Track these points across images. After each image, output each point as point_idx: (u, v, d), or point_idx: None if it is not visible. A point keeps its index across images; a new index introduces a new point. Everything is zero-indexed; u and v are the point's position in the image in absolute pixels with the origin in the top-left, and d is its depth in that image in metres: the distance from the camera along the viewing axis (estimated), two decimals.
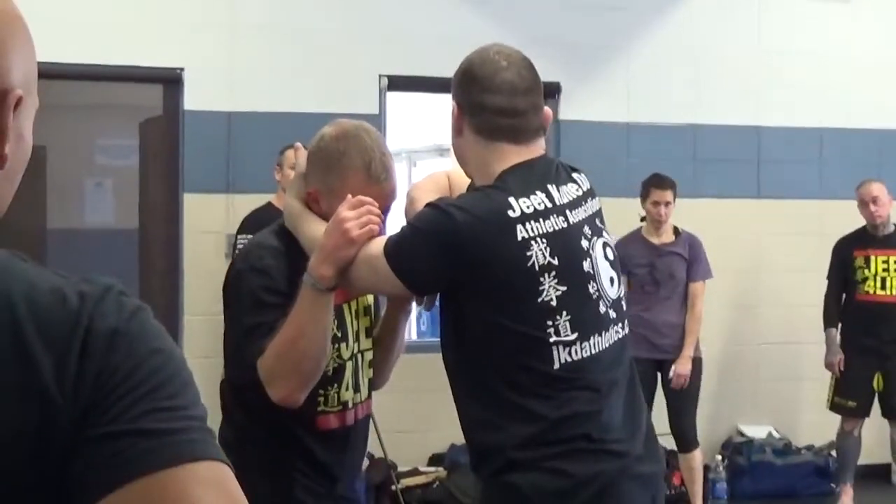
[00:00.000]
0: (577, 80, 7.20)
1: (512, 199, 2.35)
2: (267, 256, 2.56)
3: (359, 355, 2.74)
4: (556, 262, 2.33)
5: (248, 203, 6.21)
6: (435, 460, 7.03)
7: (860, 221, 6.73)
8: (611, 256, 2.47)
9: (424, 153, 11.50)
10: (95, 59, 6.50)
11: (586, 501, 2.31)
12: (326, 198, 2.58)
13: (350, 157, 2.55)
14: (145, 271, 7.20)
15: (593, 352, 2.37)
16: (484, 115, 2.44)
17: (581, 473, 2.32)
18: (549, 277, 2.32)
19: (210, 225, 6.62)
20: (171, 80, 6.71)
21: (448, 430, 7.02)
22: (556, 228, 2.37)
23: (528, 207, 2.35)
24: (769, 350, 7.58)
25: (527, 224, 2.33)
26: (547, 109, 2.51)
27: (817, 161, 7.70)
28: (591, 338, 2.37)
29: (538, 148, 2.48)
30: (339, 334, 2.62)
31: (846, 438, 6.79)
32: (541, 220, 2.35)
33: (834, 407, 6.79)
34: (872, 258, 6.63)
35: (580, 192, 2.48)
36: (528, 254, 2.31)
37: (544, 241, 2.33)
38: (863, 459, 6.93)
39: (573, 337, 2.33)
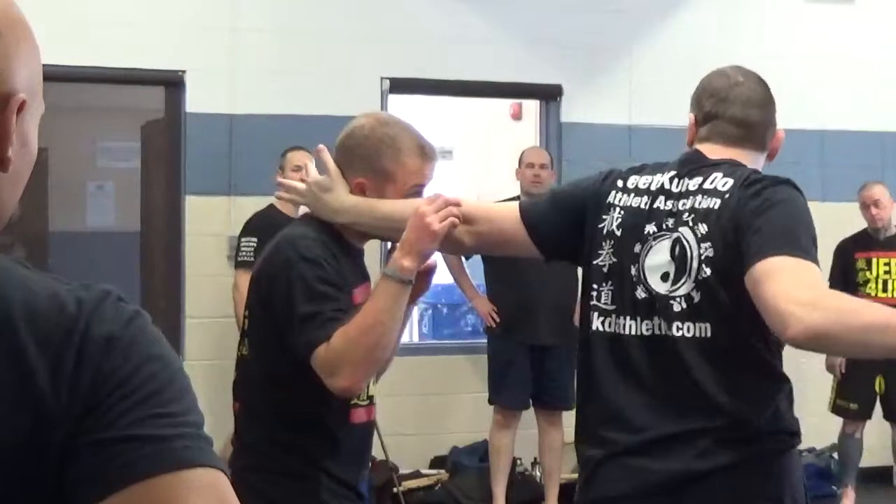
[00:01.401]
0: (579, 82, 7.20)
1: (632, 175, 2.55)
2: (316, 248, 2.56)
3: None
4: (618, 233, 2.47)
5: (250, 205, 6.21)
6: (437, 462, 7.02)
7: (862, 224, 6.73)
8: (678, 253, 2.40)
9: None
10: (97, 61, 6.51)
11: (581, 481, 2.54)
12: (379, 185, 2.62)
13: (402, 140, 2.63)
14: (147, 274, 7.20)
15: (623, 332, 2.44)
16: (712, 121, 2.60)
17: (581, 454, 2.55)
18: (607, 244, 2.47)
19: (212, 227, 6.62)
20: (172, 83, 6.72)
21: (450, 433, 7.03)
22: (636, 206, 2.48)
23: (632, 183, 2.52)
24: None
25: (619, 194, 2.51)
26: (780, 131, 2.74)
27: (819, 163, 7.69)
28: (624, 318, 2.44)
29: (739, 154, 2.57)
30: None
31: (848, 441, 6.79)
32: (631, 195, 2.50)
33: (835, 409, 6.79)
34: (874, 260, 6.63)
35: (699, 188, 2.46)
36: (604, 217, 2.50)
37: (621, 212, 2.48)
38: (864, 462, 6.92)
39: (611, 308, 2.45)
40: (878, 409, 6.73)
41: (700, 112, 2.61)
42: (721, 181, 2.44)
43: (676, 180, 2.48)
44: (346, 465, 2.65)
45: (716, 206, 2.40)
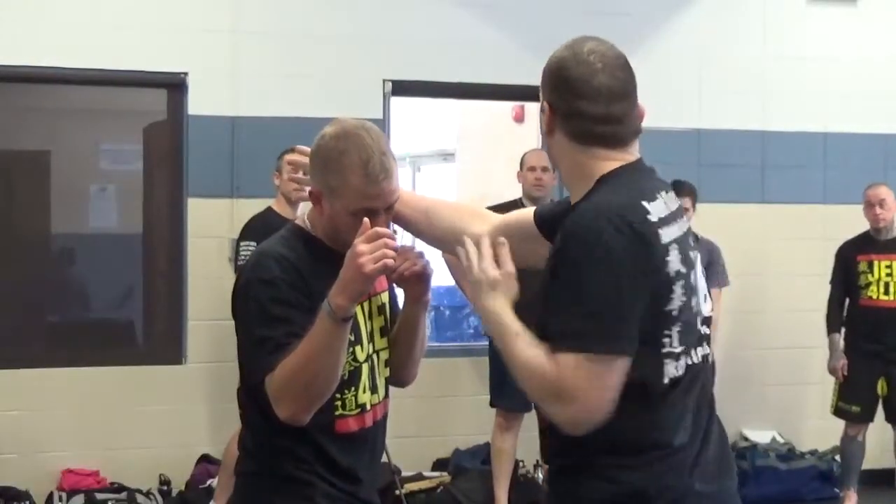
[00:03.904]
0: None
1: (645, 203, 2.23)
2: (274, 267, 2.56)
3: (374, 356, 2.74)
4: (684, 270, 2.24)
5: (252, 208, 6.21)
6: (439, 465, 7.02)
7: (864, 226, 6.72)
8: (702, 271, 2.39)
9: (428, 158, 11.52)
10: (99, 63, 6.51)
11: None
12: (328, 198, 2.58)
13: (349, 156, 2.52)
14: (149, 276, 7.20)
15: (693, 363, 2.28)
16: (579, 121, 2.32)
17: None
18: (678, 286, 2.22)
19: (214, 230, 6.62)
20: (175, 85, 6.72)
21: (452, 435, 7.03)
22: (679, 235, 2.26)
23: (659, 212, 2.24)
24: (773, 355, 7.57)
25: (662, 228, 2.22)
26: (641, 106, 2.41)
27: (822, 166, 7.69)
28: (690, 354, 2.27)
29: (634, 151, 2.39)
30: (353, 337, 2.61)
31: (850, 443, 6.78)
32: (669, 225, 2.24)
33: (838, 412, 6.79)
34: (875, 263, 6.63)
35: (677, 207, 2.36)
36: (667, 259, 2.21)
37: (676, 246, 2.23)
38: (867, 464, 6.92)
39: (679, 350, 2.23)
40: (880, 412, 6.73)
41: (563, 106, 2.32)
42: (668, 197, 2.35)
43: (666, 198, 2.31)
44: (346, 470, 2.66)
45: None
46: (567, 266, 2.17)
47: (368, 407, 2.71)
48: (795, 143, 7.63)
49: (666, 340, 2.20)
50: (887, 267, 6.61)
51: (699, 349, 2.31)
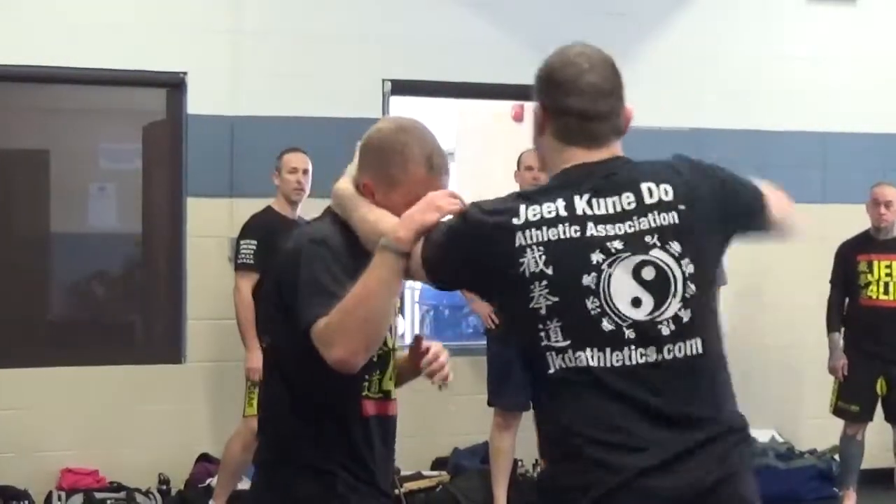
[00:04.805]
0: None
1: (523, 207, 2.34)
2: (328, 234, 2.62)
3: (392, 353, 2.76)
4: (549, 271, 2.31)
5: (251, 207, 6.21)
6: (438, 464, 7.03)
7: (863, 226, 6.73)
8: (649, 276, 2.35)
9: None
10: (99, 63, 6.51)
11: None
12: (383, 189, 2.62)
13: (412, 149, 2.62)
14: (148, 275, 7.21)
15: (592, 364, 2.30)
16: (566, 118, 2.42)
17: (571, 484, 2.31)
18: (538, 286, 2.31)
19: (213, 229, 6.62)
20: (174, 85, 6.72)
21: (451, 434, 7.03)
22: (561, 237, 2.32)
23: (534, 215, 2.34)
24: (772, 354, 7.57)
25: (527, 231, 2.33)
26: (628, 108, 2.48)
27: (821, 166, 7.70)
28: (589, 350, 2.30)
29: (613, 150, 2.45)
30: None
31: (849, 443, 6.79)
32: (544, 227, 2.32)
33: (837, 411, 6.79)
34: (875, 263, 6.64)
35: (638, 205, 2.38)
36: (521, 261, 2.31)
37: (541, 248, 2.31)
38: (866, 464, 6.92)
39: (565, 343, 2.31)
40: (879, 412, 6.73)
41: (553, 104, 2.44)
42: (659, 190, 2.38)
43: (598, 201, 2.36)
44: (363, 459, 2.67)
45: (676, 221, 2.37)
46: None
47: (392, 395, 2.74)
48: (794, 142, 7.63)
49: (542, 335, 2.31)
50: (887, 267, 6.61)
51: (640, 349, 2.32)
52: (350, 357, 2.43)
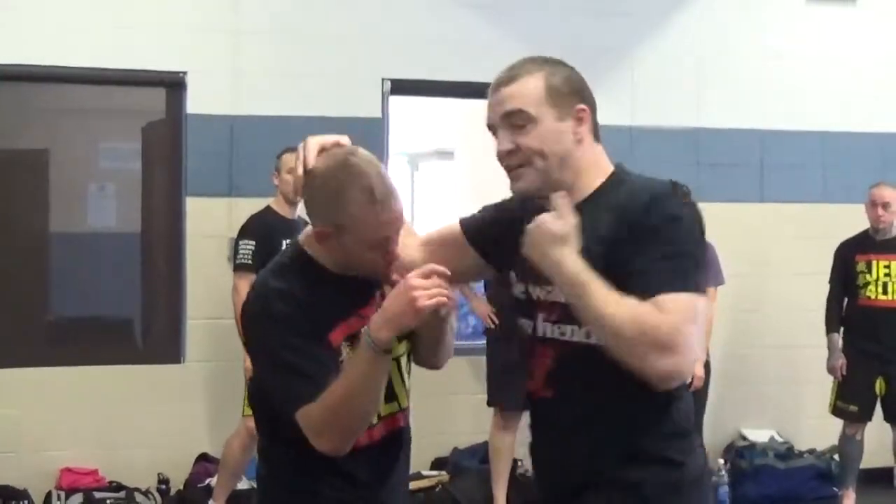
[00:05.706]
0: None
1: None
2: (277, 301, 2.46)
3: (392, 363, 2.59)
4: None
5: (251, 207, 6.21)
6: (437, 464, 7.02)
7: (863, 226, 6.73)
8: None
9: (426, 156, 11.52)
10: (98, 62, 6.51)
11: None
12: (338, 237, 2.46)
13: (351, 190, 2.41)
14: (148, 275, 7.20)
15: None
16: (594, 115, 2.61)
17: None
18: None
19: (213, 229, 6.62)
20: (173, 84, 6.72)
21: (450, 434, 7.03)
22: None
23: None
24: (771, 354, 7.57)
25: None
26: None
27: (820, 165, 7.70)
28: None
29: None
30: None
31: (848, 442, 6.79)
32: None
33: (836, 411, 6.79)
34: (874, 263, 6.64)
35: None
36: None
37: None
38: (865, 463, 6.92)
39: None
40: (878, 411, 6.73)
41: (592, 105, 2.62)
42: None
43: None
44: (352, 479, 2.57)
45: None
46: (670, 241, 2.40)
47: (383, 414, 2.60)
48: (794, 142, 7.63)
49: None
50: (885, 267, 6.61)
51: None
52: (339, 447, 2.43)
